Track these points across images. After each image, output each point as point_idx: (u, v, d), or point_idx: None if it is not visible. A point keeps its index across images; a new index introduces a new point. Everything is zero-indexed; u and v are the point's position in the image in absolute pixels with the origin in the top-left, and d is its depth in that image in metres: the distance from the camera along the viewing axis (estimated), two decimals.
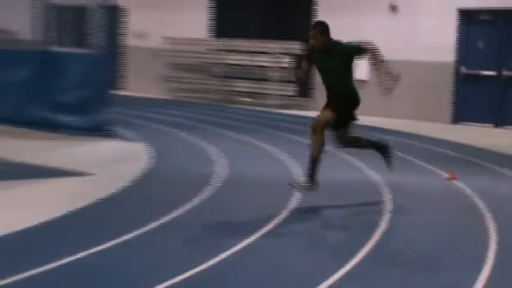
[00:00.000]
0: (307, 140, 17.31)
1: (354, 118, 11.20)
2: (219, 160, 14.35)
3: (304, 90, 24.83)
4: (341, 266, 7.89)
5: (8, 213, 9.86)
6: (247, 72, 25.90)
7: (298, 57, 11.44)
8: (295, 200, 11.16)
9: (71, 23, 19.47)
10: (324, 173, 13.14)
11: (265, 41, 25.30)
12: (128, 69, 26.17)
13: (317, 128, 10.64)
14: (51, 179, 12.42)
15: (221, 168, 13.48)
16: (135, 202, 10.95)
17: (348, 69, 10.96)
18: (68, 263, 7.74)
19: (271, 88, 25.31)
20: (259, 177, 12.96)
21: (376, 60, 10.99)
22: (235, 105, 25.28)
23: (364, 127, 20.35)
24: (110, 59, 17.26)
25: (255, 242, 8.83)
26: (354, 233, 9.47)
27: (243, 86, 26.02)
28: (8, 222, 9.20)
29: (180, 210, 10.20)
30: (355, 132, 11.56)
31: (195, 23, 26.93)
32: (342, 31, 23.67)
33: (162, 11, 26.57)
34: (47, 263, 7.63)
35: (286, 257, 8.41)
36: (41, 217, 9.61)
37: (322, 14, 24.37)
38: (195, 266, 7.76)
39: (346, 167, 14.37)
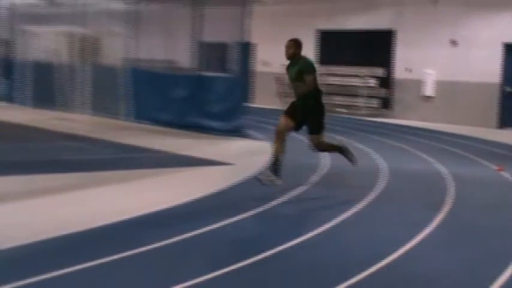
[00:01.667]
0: (387, 140, 17.46)
1: (319, 124, 10.56)
2: (323, 154, 14.37)
3: (385, 103, 24.79)
4: (418, 233, 7.96)
5: (174, 191, 10.13)
6: (343, 90, 25.87)
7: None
8: (381, 184, 11.22)
9: (216, 55, 19.73)
10: (402, 165, 13.20)
11: (356, 67, 25.25)
12: (256, 88, 26.32)
13: (280, 132, 10.43)
14: (205, 166, 12.64)
15: (325, 160, 13.52)
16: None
17: (301, 74, 10.32)
18: (224, 225, 7.97)
19: (360, 101, 25.27)
20: (353, 167, 12.98)
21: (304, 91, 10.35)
22: (334, 114, 25.19)
23: (432, 131, 20.30)
24: (244, 80, 17.38)
25: (352, 215, 8.91)
26: (427, 209, 9.38)
27: (340, 100, 25.97)
28: (176, 197, 9.46)
29: (294, 192, 10.28)
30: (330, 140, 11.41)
31: (305, 54, 26.83)
32: (415, 59, 23.77)
33: (281, 45, 26.54)
34: (208, 225, 7.91)
35: (376, 227, 8.45)
36: (199, 193, 9.86)
37: (400, 47, 24.27)
38: (312, 230, 7.95)
39: (418, 160, 14.32)
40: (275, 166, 10.31)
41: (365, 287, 6.03)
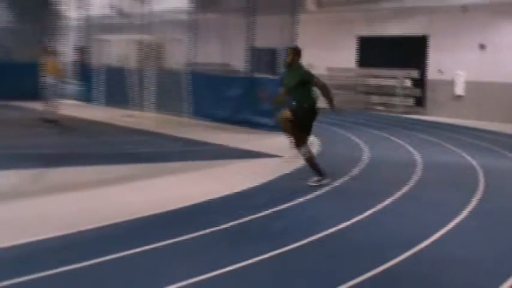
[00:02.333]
0: (421, 135, 17.21)
1: (307, 124, 10.00)
2: (365, 147, 14.27)
3: (419, 102, 24.50)
4: (453, 219, 7.83)
5: (231, 180, 10.10)
6: (381, 90, 25.62)
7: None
8: (418, 174, 11.03)
9: (266, 59, 19.66)
10: (436, 157, 12.99)
11: (393, 69, 24.98)
12: None
13: (283, 124, 9.93)
14: (257, 158, 12.59)
15: (366, 153, 13.39)
16: (311, 173, 10.97)
17: (301, 87, 9.75)
18: (277, 211, 7.95)
19: (397, 100, 24.95)
20: (392, 159, 12.81)
21: (324, 92, 9.83)
22: (373, 112, 25.01)
23: (462, 127, 20.00)
24: None
25: (392, 202, 8.81)
26: (460, 197, 9.21)
27: (378, 99, 25.74)
28: (233, 185, 9.45)
29: (340, 181, 10.21)
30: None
31: (346, 57, 26.78)
32: (446, 61, 23.44)
33: (326, 50, 26.52)
34: (267, 209, 7.92)
35: (414, 213, 8.33)
36: (254, 182, 9.88)
37: (432, 51, 23.98)
38: (357, 215, 7.85)
39: (451, 153, 14.06)
40: (314, 167, 10.00)
41: (406, 266, 5.99)
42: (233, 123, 17.89)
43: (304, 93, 9.81)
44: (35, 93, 19.80)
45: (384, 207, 8.46)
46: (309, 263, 6.08)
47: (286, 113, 9.83)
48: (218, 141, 14.60)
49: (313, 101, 9.88)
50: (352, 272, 5.69)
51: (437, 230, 7.28)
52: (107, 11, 29.58)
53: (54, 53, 18.36)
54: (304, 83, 9.73)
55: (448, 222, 7.69)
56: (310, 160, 10.09)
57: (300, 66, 9.98)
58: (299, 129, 9.94)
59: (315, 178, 9.86)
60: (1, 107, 21.39)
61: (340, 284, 5.39)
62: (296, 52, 9.98)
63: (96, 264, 5.76)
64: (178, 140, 14.91)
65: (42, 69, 17.72)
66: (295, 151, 10.43)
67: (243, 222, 7.41)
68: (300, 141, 10.06)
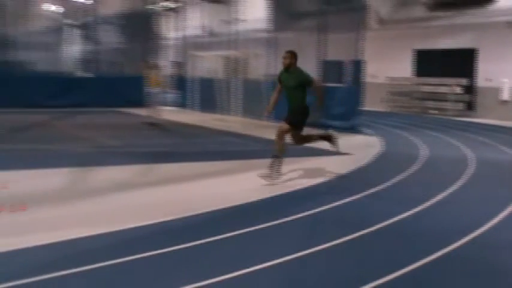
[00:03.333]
0: (472, 135, 16.76)
1: (303, 124, 9.40)
2: (422, 147, 13.98)
3: (469, 106, 23.89)
4: (504, 209, 7.60)
5: (308, 174, 10.00)
6: (435, 96, 25.07)
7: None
8: (470, 170, 10.73)
9: (335, 70, 19.48)
10: (486, 155, 12.59)
11: (446, 78, 24.43)
12: (367, 95, 26.00)
13: (280, 135, 9.21)
14: (330, 156, 12.42)
15: (423, 151, 13.12)
16: (377, 169, 10.86)
17: (299, 89, 9.16)
18: (348, 202, 7.87)
19: (449, 105, 24.38)
20: (447, 157, 12.51)
21: (319, 93, 9.40)
22: (427, 115, 24.51)
23: (508, 128, 19.41)
24: (357, 89, 17.09)
25: (449, 194, 8.60)
26: (510, 190, 8.92)
27: (432, 104, 25.18)
28: (311, 179, 9.40)
29: (401, 176, 10.03)
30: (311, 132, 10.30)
31: (404, 68, 26.39)
32: (493, 70, 22.80)
33: (386, 61, 26.20)
34: (340, 199, 7.83)
35: (468, 204, 8.13)
36: (329, 176, 9.84)
37: (481, 61, 23.37)
38: (416, 207, 7.68)
39: (499, 151, 13.64)
40: (276, 164, 9.23)
41: (465, 250, 5.87)
42: (308, 125, 17.62)
43: (302, 95, 9.24)
44: (140, 101, 20.20)
45: (442, 199, 8.27)
46: (381, 246, 6.01)
47: (284, 126, 9.21)
48: None
49: (307, 103, 9.36)
50: (417, 255, 5.60)
51: (491, 219, 7.08)
52: (199, 32, 29.95)
53: (156, 67, 18.67)
54: (303, 85, 9.17)
55: (501, 211, 7.47)
56: (281, 155, 9.31)
57: (298, 70, 9.32)
58: (297, 130, 9.39)
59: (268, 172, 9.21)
60: (113, 113, 21.91)
61: (410, 264, 5.33)
62: (293, 56, 9.31)
63: (202, 244, 5.83)
64: (260, 141, 14.87)
65: (146, 81, 18.04)
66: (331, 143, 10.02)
67: (318, 212, 7.34)
68: (304, 141, 9.83)
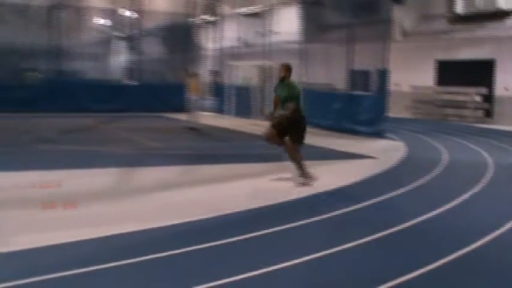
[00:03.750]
0: (491, 141, 16.48)
1: (300, 135, 9.07)
2: (443, 151, 13.80)
3: (488, 113, 23.52)
4: None
5: (337, 176, 9.95)
6: (455, 104, 24.75)
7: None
8: (490, 173, 10.55)
9: (362, 78, 19.36)
10: (505, 159, 12.38)
11: (466, 87, 24.11)
12: (391, 102, 25.80)
13: (272, 139, 9.02)
14: (356, 159, 12.39)
15: (445, 156, 12.94)
16: (401, 172, 10.74)
17: (290, 99, 8.83)
18: (376, 202, 7.82)
19: (468, 112, 24.04)
20: (467, 161, 12.32)
21: (289, 109, 8.80)
22: (449, 122, 24.18)
23: None
24: (382, 97, 16.94)
25: (470, 196, 8.46)
26: None
27: (453, 111, 24.84)
28: (340, 180, 9.32)
29: (424, 178, 9.90)
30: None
31: (426, 77, 26.10)
32: (510, 81, 22.40)
33: (409, 71, 25.92)
34: (368, 200, 7.79)
35: (490, 205, 8.04)
36: (356, 177, 9.74)
37: (499, 72, 23.01)
38: (441, 207, 7.59)
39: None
40: (301, 170, 9.04)
41: (486, 249, 5.80)
42: (336, 130, 17.66)
43: (295, 106, 8.87)
44: (181, 106, 20.29)
45: (464, 200, 8.15)
46: (404, 245, 5.95)
47: (271, 131, 8.95)
48: (324, 145, 14.44)
49: (300, 112, 9.02)
50: (439, 254, 5.52)
51: (511, 219, 6.94)
52: (235, 43, 30.02)
53: (195, 75, 18.77)
54: (292, 98, 8.88)
55: None
56: (300, 160, 9.12)
57: (292, 84, 9.05)
58: (284, 134, 8.99)
59: (302, 178, 9.05)
60: (155, 118, 22.08)
61: (432, 262, 5.26)
62: (288, 68, 9.08)
63: (242, 240, 5.87)
64: None
65: (187, 88, 18.14)
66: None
67: (346, 212, 7.30)
68: (278, 140, 9.13)
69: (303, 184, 8.90)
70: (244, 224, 6.55)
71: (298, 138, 9.09)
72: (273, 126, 9.00)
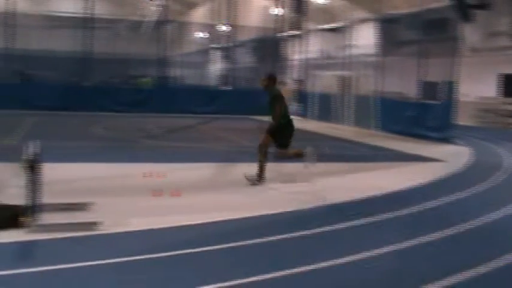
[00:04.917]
0: None
1: (287, 140, 8.57)
2: (507, 156, 13.22)
3: None
4: None
5: (408, 176, 9.59)
6: None
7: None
8: None
9: (432, 89, 18.77)
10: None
11: None
12: (458, 111, 25.11)
13: (262, 146, 8.42)
14: (426, 162, 12.08)
15: (508, 161, 12.37)
16: (468, 175, 10.37)
17: (271, 102, 8.43)
18: (440, 204, 7.61)
19: None
20: None
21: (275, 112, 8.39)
22: (511, 130, 23.11)
23: None
24: (451, 106, 16.43)
25: None
26: None
27: None
28: (411, 180, 9.09)
29: (488, 182, 9.49)
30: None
31: (490, 89, 25.07)
32: None
33: (476, 83, 24.85)
34: (436, 199, 7.58)
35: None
36: (427, 178, 9.49)
37: None
38: (501, 210, 7.29)
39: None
40: (260, 172, 8.43)
41: None
42: (408, 135, 17.23)
43: (279, 112, 8.42)
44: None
45: None
46: (467, 244, 5.80)
47: (265, 140, 8.46)
48: (397, 148, 14.18)
49: (287, 118, 8.60)
50: (500, 254, 5.30)
51: None
52: (318, 55, 29.97)
53: (282, 83, 18.88)
54: (273, 100, 8.45)
55: None
56: (264, 161, 8.47)
57: (274, 89, 8.65)
58: (274, 139, 8.49)
59: (254, 178, 8.38)
60: (247, 119, 22.33)
61: (491, 261, 5.10)
62: (270, 79, 8.65)
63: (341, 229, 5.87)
64: (369, 147, 14.72)
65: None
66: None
67: (417, 211, 7.10)
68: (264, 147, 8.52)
69: (253, 184, 8.29)
70: (338, 214, 6.55)
71: (284, 141, 8.60)
72: (269, 135, 8.49)
